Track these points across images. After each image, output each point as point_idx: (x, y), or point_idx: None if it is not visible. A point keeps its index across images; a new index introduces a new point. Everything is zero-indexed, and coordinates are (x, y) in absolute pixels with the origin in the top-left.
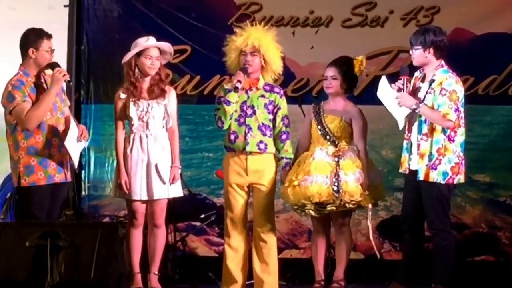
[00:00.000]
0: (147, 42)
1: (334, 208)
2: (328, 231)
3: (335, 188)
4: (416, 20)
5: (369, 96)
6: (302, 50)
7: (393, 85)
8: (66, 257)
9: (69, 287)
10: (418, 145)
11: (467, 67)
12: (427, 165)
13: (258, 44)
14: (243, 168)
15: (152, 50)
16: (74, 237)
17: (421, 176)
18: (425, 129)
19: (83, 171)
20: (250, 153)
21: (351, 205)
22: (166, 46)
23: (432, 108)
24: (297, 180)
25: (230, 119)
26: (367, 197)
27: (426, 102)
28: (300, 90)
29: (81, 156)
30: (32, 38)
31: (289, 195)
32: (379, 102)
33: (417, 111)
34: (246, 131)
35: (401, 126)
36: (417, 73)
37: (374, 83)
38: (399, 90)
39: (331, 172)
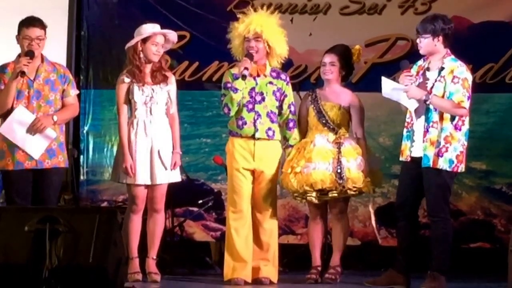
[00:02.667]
0: (153, 29)
1: (335, 194)
2: (325, 217)
3: (338, 175)
4: (414, 8)
5: (367, 83)
6: (300, 37)
7: (402, 78)
8: (65, 242)
9: (68, 271)
10: (425, 133)
11: (464, 55)
12: (435, 152)
13: (261, 30)
14: (251, 153)
15: (158, 37)
16: (73, 222)
17: (430, 163)
18: (435, 117)
19: (81, 156)
20: (258, 139)
21: (352, 192)
22: (173, 36)
23: (442, 97)
24: (299, 166)
25: (238, 105)
26: (368, 183)
27: (435, 90)
28: (298, 76)
29: (79, 140)
30: (18, 27)
31: (291, 182)
32: (376, 89)
33: (428, 102)
34: (255, 118)
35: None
36: (420, 62)
37: (372, 71)
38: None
39: (333, 159)
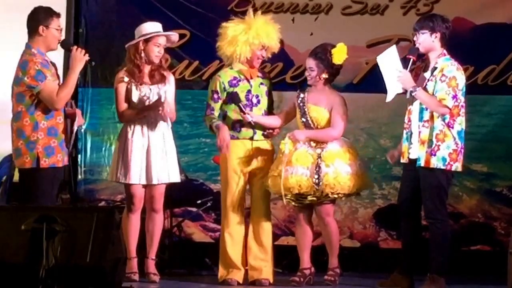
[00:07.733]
0: (155, 28)
1: (314, 199)
2: (310, 219)
3: (316, 180)
4: (416, 9)
5: (368, 84)
6: (302, 37)
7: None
8: (62, 241)
9: (65, 271)
10: (419, 133)
11: (466, 57)
12: (427, 152)
13: (269, 42)
14: (248, 155)
15: (161, 38)
16: (70, 221)
17: (421, 163)
18: (426, 116)
19: (79, 155)
20: (256, 140)
21: (335, 195)
22: (175, 37)
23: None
24: (277, 170)
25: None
26: (349, 186)
27: (427, 89)
28: (298, 76)
29: (77, 139)
30: (42, 16)
31: (269, 185)
32: (378, 91)
33: (413, 94)
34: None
35: (388, 99)
36: (418, 63)
37: (373, 72)
38: (410, 67)
39: (312, 164)
